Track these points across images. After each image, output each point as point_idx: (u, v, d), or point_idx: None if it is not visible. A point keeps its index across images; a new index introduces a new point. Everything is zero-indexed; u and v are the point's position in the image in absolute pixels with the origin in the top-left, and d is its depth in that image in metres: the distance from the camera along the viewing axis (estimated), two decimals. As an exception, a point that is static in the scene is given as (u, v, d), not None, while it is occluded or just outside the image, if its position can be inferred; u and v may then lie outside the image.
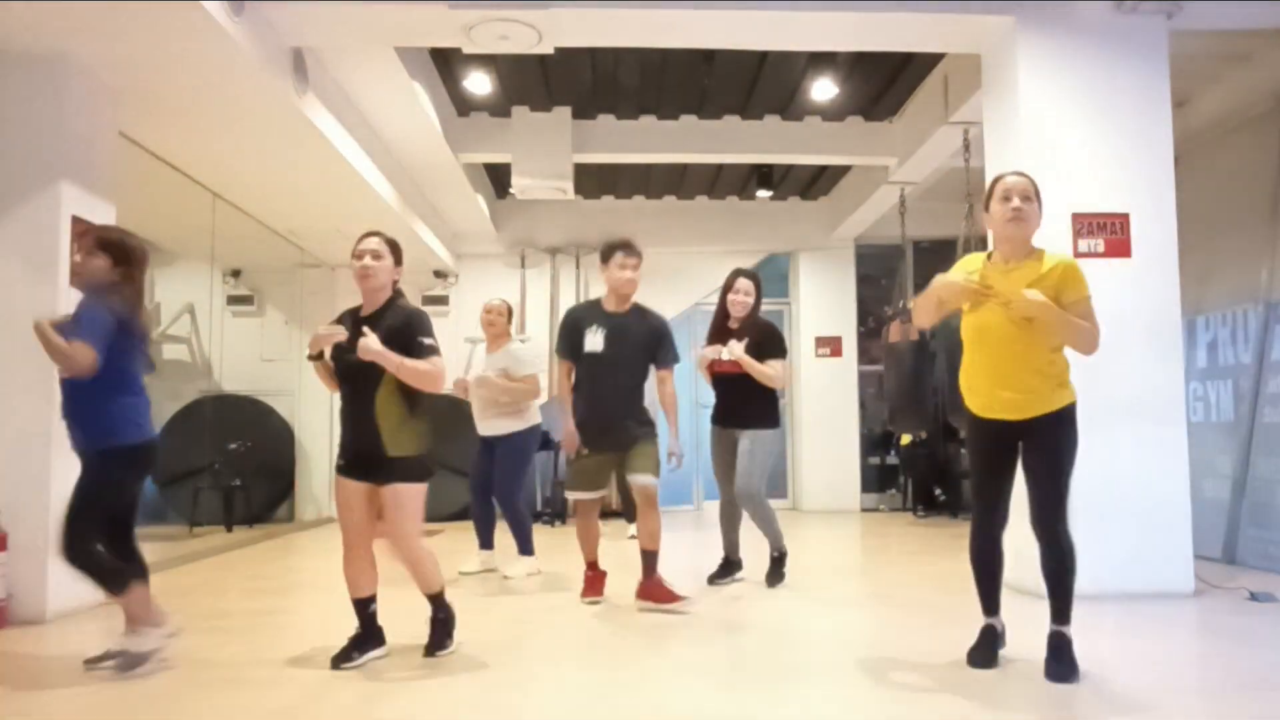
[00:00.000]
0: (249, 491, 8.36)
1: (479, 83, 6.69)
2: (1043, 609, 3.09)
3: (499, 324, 5.40)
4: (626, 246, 4.28)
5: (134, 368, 3.31)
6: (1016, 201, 3.01)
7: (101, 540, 3.24)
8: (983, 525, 3.17)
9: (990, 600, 3.23)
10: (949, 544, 6.89)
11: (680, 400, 4.44)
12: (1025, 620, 3.96)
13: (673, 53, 6.19)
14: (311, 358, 3.31)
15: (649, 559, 4.27)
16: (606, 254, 4.30)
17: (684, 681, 3.11)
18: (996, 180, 3.12)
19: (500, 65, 6.42)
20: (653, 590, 4.24)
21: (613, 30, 5.04)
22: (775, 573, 4.84)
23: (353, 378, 3.25)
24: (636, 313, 4.35)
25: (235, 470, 8.25)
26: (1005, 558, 3.23)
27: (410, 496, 3.27)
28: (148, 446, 3.33)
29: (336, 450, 3.40)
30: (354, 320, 3.30)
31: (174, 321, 9.23)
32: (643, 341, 4.29)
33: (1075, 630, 3.03)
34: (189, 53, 4.41)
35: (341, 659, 3.22)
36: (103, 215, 4.64)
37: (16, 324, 4.23)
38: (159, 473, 8.41)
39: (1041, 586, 3.09)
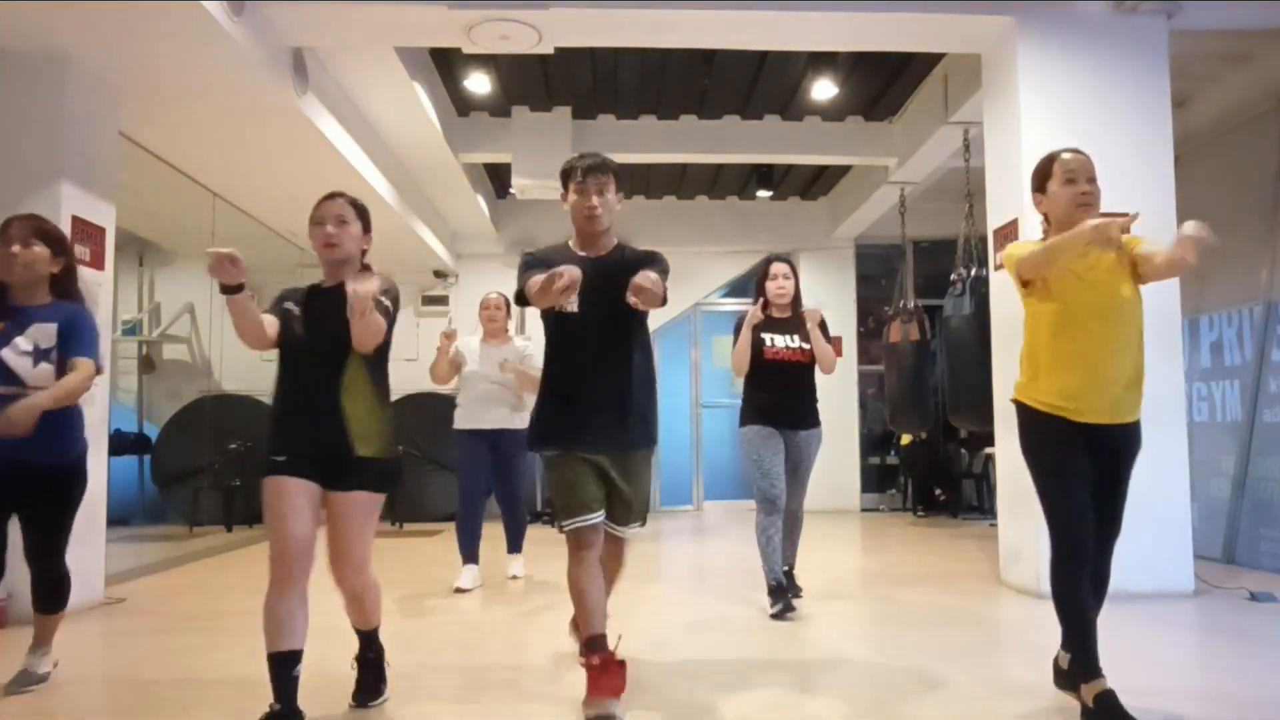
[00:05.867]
0: (249, 491, 8.35)
1: (479, 83, 6.69)
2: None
3: (500, 318, 5.17)
4: (589, 165, 2.93)
5: None
6: (1084, 184, 2.64)
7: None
8: (1079, 550, 2.59)
9: (1092, 653, 2.58)
10: (949, 544, 6.90)
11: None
12: (1023, 618, 3.96)
13: (673, 53, 6.20)
14: (229, 290, 2.43)
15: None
16: (564, 178, 2.99)
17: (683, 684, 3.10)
18: (1053, 159, 2.72)
19: (500, 65, 6.42)
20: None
21: (613, 30, 5.04)
22: (794, 582, 4.40)
23: (312, 354, 2.62)
24: (620, 254, 2.98)
25: (235, 470, 8.24)
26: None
27: (373, 508, 2.65)
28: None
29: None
30: (306, 294, 2.72)
31: (174, 321, 9.24)
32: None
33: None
34: (189, 53, 4.41)
35: None
36: (103, 215, 4.64)
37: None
38: (159, 473, 8.44)
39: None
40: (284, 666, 2.43)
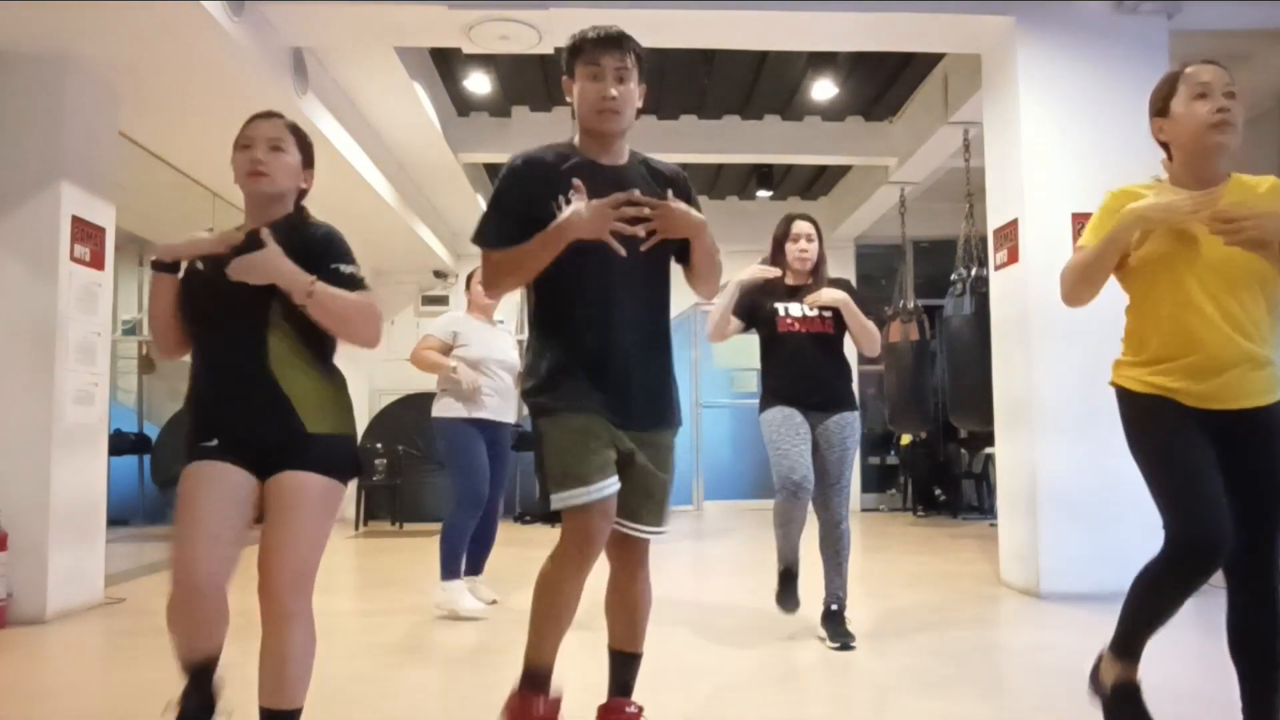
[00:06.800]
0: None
1: (479, 83, 6.70)
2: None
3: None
4: (605, 37, 2.15)
5: None
6: (1220, 98, 2.10)
7: None
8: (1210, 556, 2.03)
9: (1140, 643, 2.21)
10: (949, 544, 6.90)
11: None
12: (1023, 619, 3.95)
13: (673, 53, 6.20)
14: (160, 266, 2.08)
15: (623, 665, 2.33)
16: (569, 58, 2.20)
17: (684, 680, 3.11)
18: (1178, 74, 2.17)
19: (500, 65, 6.42)
20: None
21: (612, 30, 5.04)
22: (844, 627, 3.57)
23: (226, 316, 2.02)
24: (642, 166, 2.32)
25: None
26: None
27: (328, 500, 1.97)
28: None
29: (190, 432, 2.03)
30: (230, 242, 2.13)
31: (174, 321, 9.23)
32: None
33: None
34: (189, 53, 4.41)
35: None
36: (103, 215, 4.65)
37: (17, 324, 4.26)
38: (159, 473, 8.44)
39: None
40: (204, 677, 2.15)
